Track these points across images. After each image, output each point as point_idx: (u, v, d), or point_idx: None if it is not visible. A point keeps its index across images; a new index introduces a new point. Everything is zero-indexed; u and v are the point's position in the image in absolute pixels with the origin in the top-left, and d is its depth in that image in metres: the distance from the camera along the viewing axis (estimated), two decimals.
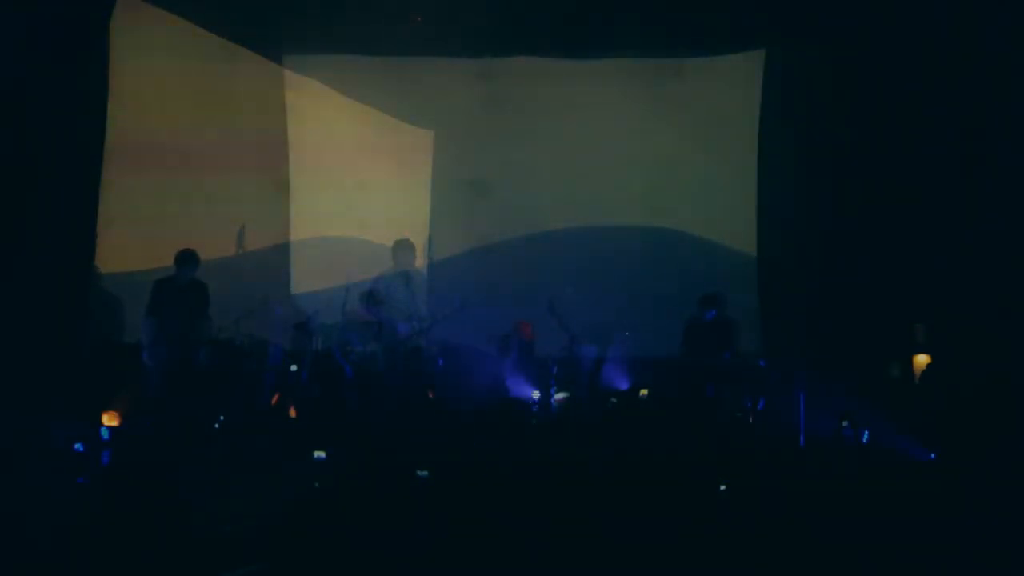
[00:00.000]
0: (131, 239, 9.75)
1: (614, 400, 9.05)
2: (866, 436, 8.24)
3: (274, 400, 8.64)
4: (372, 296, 9.40)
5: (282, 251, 10.65)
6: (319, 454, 7.70)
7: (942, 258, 9.15)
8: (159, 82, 9.77)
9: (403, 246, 9.79)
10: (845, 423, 8.43)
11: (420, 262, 9.88)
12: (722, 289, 9.54)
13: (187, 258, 8.81)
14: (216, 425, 8.54)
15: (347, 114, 10.66)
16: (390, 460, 7.44)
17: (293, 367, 9.10)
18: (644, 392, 9.14)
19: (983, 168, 8.83)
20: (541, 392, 9.06)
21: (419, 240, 10.65)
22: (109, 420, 8.14)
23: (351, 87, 10.67)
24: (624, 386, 9.32)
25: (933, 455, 7.65)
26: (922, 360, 8.72)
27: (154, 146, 9.76)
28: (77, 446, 7.60)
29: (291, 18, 9.98)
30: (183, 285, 8.81)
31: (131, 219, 9.70)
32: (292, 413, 8.62)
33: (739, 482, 6.87)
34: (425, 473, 7.15)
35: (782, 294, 10.15)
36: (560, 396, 9.05)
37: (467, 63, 10.60)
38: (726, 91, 10.47)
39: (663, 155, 10.59)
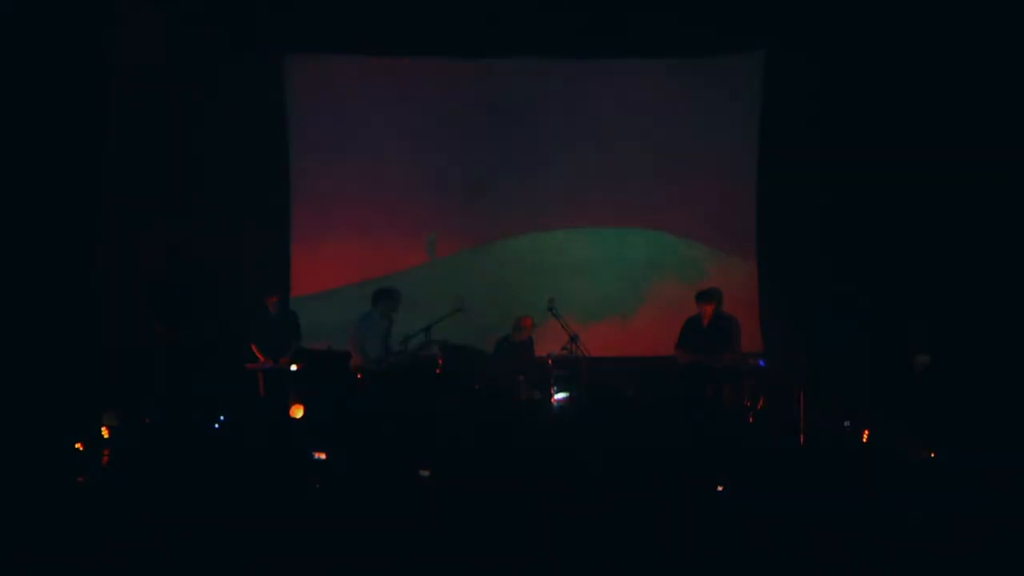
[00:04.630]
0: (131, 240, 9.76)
1: (614, 400, 9.06)
2: (866, 436, 8.25)
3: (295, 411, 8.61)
4: (388, 296, 9.27)
5: (282, 251, 10.64)
6: (319, 455, 7.72)
7: (943, 257, 9.15)
8: (160, 82, 9.75)
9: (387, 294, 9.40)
10: (846, 423, 8.45)
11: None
12: (721, 289, 9.55)
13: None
14: (216, 426, 8.58)
15: (347, 114, 10.65)
16: (392, 460, 7.46)
17: (293, 367, 9.14)
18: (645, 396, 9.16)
19: (984, 167, 8.82)
20: (541, 392, 9.07)
21: (419, 240, 10.66)
22: (109, 420, 8.17)
23: (351, 87, 10.67)
24: (624, 386, 9.33)
25: (933, 455, 7.66)
26: (922, 360, 8.72)
27: (154, 146, 9.76)
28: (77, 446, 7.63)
29: (291, 18, 9.99)
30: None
31: (133, 220, 9.72)
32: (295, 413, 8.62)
33: (738, 482, 6.87)
34: (427, 473, 7.16)
35: (782, 294, 10.16)
36: (560, 396, 9.05)
37: (467, 63, 10.59)
38: (726, 91, 10.46)
39: (663, 154, 10.59)
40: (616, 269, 10.62)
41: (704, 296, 9.09)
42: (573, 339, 9.15)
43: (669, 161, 10.57)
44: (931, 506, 6.27)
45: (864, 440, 8.22)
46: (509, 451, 7.94)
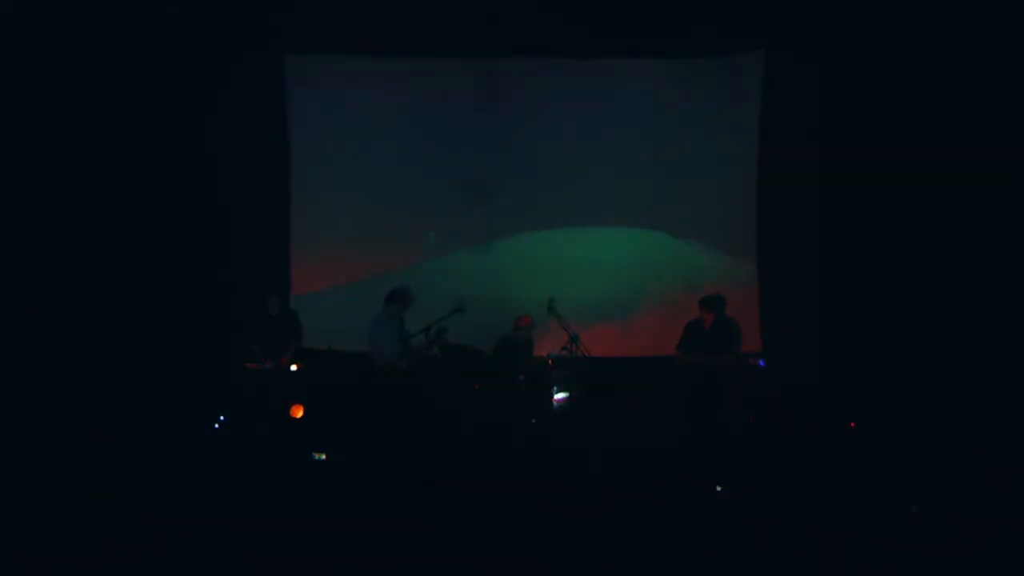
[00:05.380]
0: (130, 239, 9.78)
1: (614, 400, 9.06)
2: (866, 436, 8.26)
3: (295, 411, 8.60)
4: (401, 298, 9.20)
5: (282, 251, 10.64)
6: (319, 455, 7.72)
7: (943, 257, 9.16)
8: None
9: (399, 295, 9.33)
10: (847, 424, 8.45)
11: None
12: (721, 290, 9.56)
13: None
14: (216, 426, 8.57)
15: (347, 114, 10.65)
16: (393, 462, 7.46)
17: (293, 367, 9.14)
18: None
19: (984, 167, 8.83)
20: (542, 392, 9.06)
21: (419, 240, 10.66)
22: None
23: (351, 87, 10.66)
24: (624, 387, 9.32)
25: (932, 454, 7.67)
26: (921, 360, 8.74)
27: (154, 144, 9.78)
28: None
29: (291, 18, 9.99)
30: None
31: (132, 219, 9.73)
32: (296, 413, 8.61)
33: (738, 482, 6.88)
34: (425, 475, 7.16)
35: (782, 294, 10.15)
36: (560, 396, 9.05)
37: (467, 63, 10.59)
38: (726, 91, 10.45)
39: (663, 155, 10.57)
40: (616, 269, 10.60)
41: (708, 303, 9.22)
42: (573, 339, 9.15)
43: (669, 161, 10.55)
44: (931, 506, 6.27)
45: (864, 440, 8.22)
46: (509, 451, 7.94)
